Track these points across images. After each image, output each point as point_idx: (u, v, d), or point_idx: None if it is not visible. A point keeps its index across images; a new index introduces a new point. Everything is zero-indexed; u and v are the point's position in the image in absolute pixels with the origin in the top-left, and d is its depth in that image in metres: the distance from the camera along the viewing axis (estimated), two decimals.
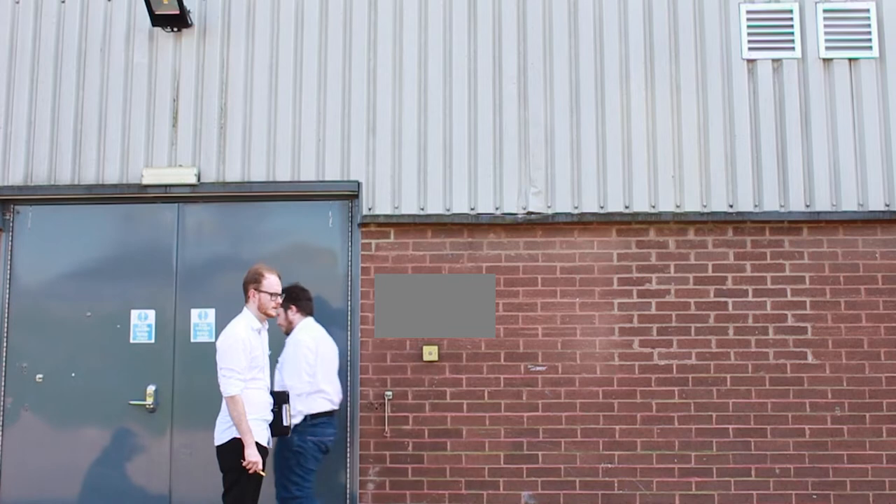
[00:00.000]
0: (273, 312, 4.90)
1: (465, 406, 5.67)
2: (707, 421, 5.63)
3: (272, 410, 4.88)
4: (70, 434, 5.77)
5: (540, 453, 5.62)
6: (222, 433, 4.71)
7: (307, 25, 5.97)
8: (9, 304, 5.90)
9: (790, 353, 5.67)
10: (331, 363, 5.30)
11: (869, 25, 5.88)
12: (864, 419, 5.61)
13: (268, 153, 5.87)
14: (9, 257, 5.94)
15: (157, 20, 5.82)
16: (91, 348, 5.81)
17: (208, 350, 5.55)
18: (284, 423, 4.92)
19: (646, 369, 5.67)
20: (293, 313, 5.32)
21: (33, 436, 5.79)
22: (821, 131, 5.80)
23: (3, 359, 5.86)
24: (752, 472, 5.59)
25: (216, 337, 5.62)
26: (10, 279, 5.92)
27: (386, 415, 5.66)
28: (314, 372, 5.12)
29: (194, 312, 5.85)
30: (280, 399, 4.95)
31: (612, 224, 5.80)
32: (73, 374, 5.81)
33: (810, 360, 5.66)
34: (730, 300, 5.72)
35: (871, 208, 5.72)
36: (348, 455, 5.73)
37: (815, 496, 5.56)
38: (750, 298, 5.71)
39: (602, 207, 5.77)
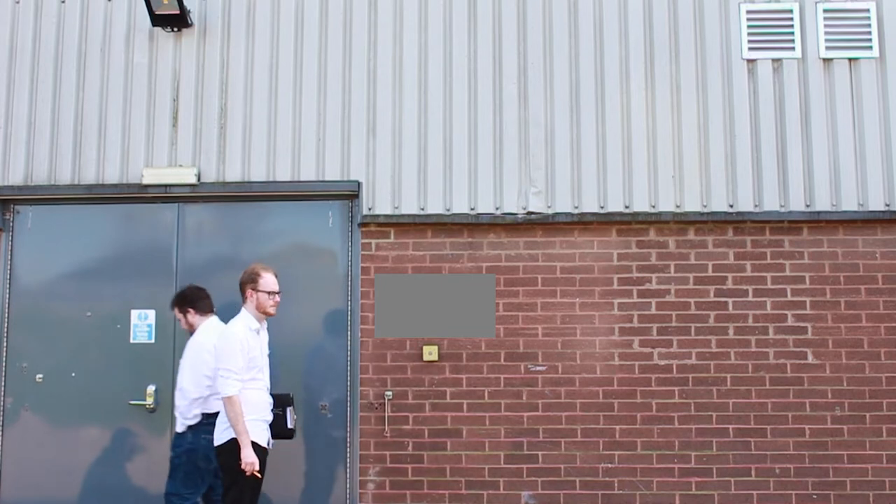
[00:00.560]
0: (272, 311, 4.87)
1: (465, 406, 5.67)
2: (707, 421, 5.63)
3: (274, 412, 4.88)
4: (70, 434, 5.77)
5: (540, 453, 5.62)
6: (221, 434, 4.71)
7: (307, 26, 5.98)
8: (9, 304, 5.90)
9: (790, 353, 5.67)
10: None
11: (869, 25, 5.88)
12: (864, 419, 5.61)
13: (268, 153, 5.87)
14: (9, 257, 5.94)
15: (157, 20, 5.82)
16: (91, 348, 5.81)
17: None
18: (289, 426, 4.91)
19: (646, 369, 5.68)
20: (192, 316, 5.19)
21: (33, 436, 5.80)
22: (821, 131, 5.80)
23: (3, 359, 5.86)
24: (752, 472, 5.59)
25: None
26: (10, 279, 5.92)
27: (386, 415, 5.66)
28: (214, 375, 4.95)
29: None
30: (283, 401, 4.93)
31: (612, 224, 5.80)
32: (73, 374, 5.81)
33: (810, 360, 5.66)
34: (730, 300, 5.72)
35: (871, 208, 5.72)
36: (348, 455, 5.73)
37: (815, 496, 5.56)
38: (750, 298, 5.71)
39: (602, 207, 5.77)
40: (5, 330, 5.89)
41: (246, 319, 4.81)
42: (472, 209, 5.79)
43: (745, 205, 5.75)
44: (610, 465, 5.61)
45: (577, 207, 5.77)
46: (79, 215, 5.95)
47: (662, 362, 5.68)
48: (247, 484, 4.64)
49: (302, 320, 5.77)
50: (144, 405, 5.73)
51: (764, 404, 5.63)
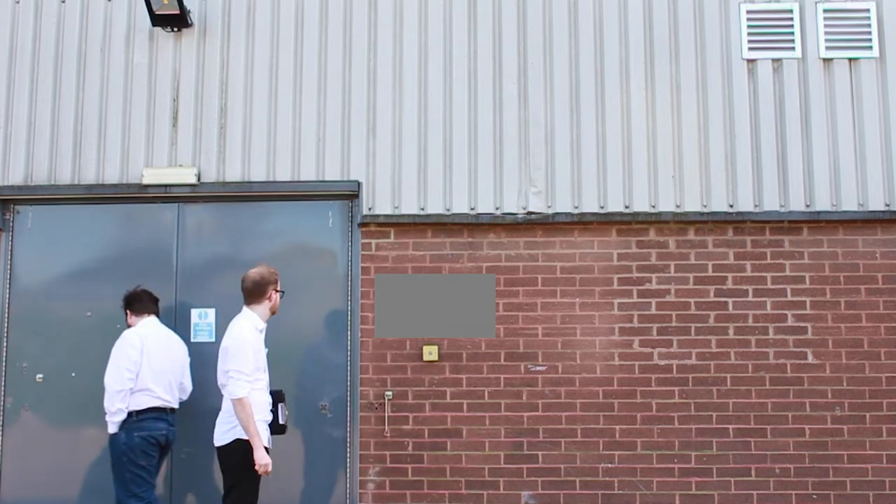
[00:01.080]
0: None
1: (465, 406, 5.67)
2: (707, 421, 5.63)
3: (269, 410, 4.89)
4: (70, 434, 5.77)
5: (540, 453, 5.62)
6: (224, 434, 4.71)
7: (307, 26, 5.97)
8: (9, 304, 5.90)
9: (790, 353, 5.67)
10: (164, 362, 5.18)
11: (869, 25, 5.88)
12: (864, 419, 5.61)
13: (268, 153, 5.88)
14: (9, 257, 5.94)
15: (157, 20, 5.82)
16: (91, 348, 5.80)
17: (208, 350, 5.56)
18: (280, 422, 4.92)
19: (646, 369, 5.67)
20: (130, 317, 5.35)
21: (33, 436, 5.79)
22: (821, 131, 5.80)
23: (3, 359, 5.86)
24: (752, 472, 5.59)
25: (216, 337, 5.65)
26: (10, 279, 5.92)
27: (386, 415, 5.66)
28: (137, 370, 5.05)
29: (194, 312, 5.84)
30: (275, 398, 4.95)
31: (612, 224, 5.80)
32: (73, 374, 5.81)
33: (810, 360, 5.66)
34: (730, 300, 5.72)
35: (871, 208, 5.72)
36: (348, 455, 5.73)
37: (815, 496, 5.56)
38: (750, 298, 5.71)
39: (602, 207, 5.77)
40: (5, 330, 5.88)
41: (252, 320, 4.82)
42: (472, 209, 5.79)
43: (745, 205, 5.75)
44: (610, 465, 5.61)
45: (577, 207, 5.77)
46: (79, 215, 5.95)
47: (662, 362, 5.68)
48: (249, 484, 4.64)
49: (302, 320, 5.77)
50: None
51: (764, 404, 5.63)
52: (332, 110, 5.89)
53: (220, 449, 4.72)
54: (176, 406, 5.28)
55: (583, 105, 5.85)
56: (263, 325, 4.87)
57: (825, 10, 5.90)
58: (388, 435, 5.65)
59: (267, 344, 4.95)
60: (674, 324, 5.71)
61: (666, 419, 5.63)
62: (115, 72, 5.98)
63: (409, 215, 5.78)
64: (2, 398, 5.83)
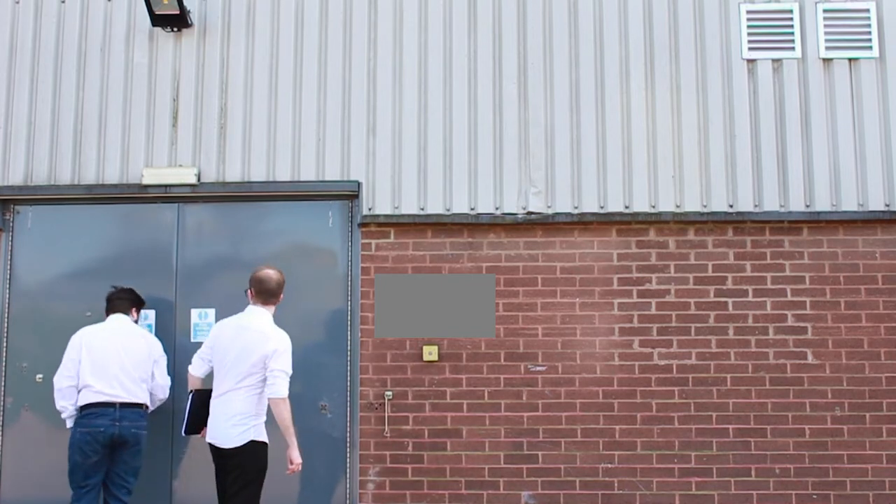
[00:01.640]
0: None
1: (465, 406, 5.67)
2: (707, 421, 5.63)
3: None
4: (70, 434, 5.76)
5: (540, 453, 5.62)
6: (239, 436, 4.64)
7: (307, 25, 5.98)
8: (9, 304, 5.90)
9: (790, 353, 5.67)
10: (107, 357, 5.12)
11: (869, 25, 5.88)
12: (864, 419, 5.61)
13: (268, 153, 5.88)
14: (9, 257, 5.94)
15: (157, 20, 5.82)
16: None
17: None
18: None
19: (646, 369, 5.67)
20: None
21: (33, 436, 5.79)
22: (821, 131, 5.80)
23: (3, 359, 5.86)
24: (752, 472, 5.59)
25: None
26: (10, 279, 5.92)
27: (386, 415, 5.66)
28: (76, 368, 5.09)
29: (194, 312, 5.85)
30: None
31: (612, 224, 5.80)
32: None
33: (810, 360, 5.66)
34: (730, 300, 5.72)
35: (871, 208, 5.72)
36: (348, 455, 5.73)
37: (815, 496, 5.56)
38: (750, 298, 5.71)
39: (602, 207, 5.77)
40: (5, 330, 5.88)
41: (271, 320, 4.86)
42: (472, 209, 5.79)
43: (745, 205, 5.75)
44: (610, 465, 5.61)
45: (576, 207, 5.77)
46: (79, 215, 5.95)
47: (662, 362, 5.68)
48: (259, 487, 4.67)
49: (302, 320, 5.76)
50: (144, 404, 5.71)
51: (764, 404, 5.63)
52: (332, 110, 5.89)
53: (232, 451, 4.65)
54: (133, 400, 5.13)
55: (583, 105, 5.85)
56: None
57: (825, 11, 5.90)
58: (388, 435, 5.65)
59: None
60: (674, 324, 5.71)
61: (666, 419, 5.63)
62: (115, 72, 5.98)
63: (409, 215, 5.78)
64: (2, 398, 5.84)
